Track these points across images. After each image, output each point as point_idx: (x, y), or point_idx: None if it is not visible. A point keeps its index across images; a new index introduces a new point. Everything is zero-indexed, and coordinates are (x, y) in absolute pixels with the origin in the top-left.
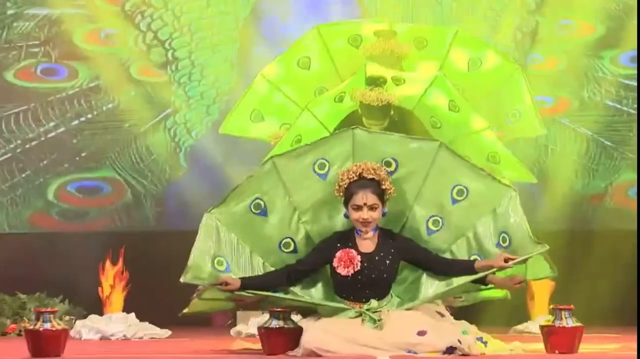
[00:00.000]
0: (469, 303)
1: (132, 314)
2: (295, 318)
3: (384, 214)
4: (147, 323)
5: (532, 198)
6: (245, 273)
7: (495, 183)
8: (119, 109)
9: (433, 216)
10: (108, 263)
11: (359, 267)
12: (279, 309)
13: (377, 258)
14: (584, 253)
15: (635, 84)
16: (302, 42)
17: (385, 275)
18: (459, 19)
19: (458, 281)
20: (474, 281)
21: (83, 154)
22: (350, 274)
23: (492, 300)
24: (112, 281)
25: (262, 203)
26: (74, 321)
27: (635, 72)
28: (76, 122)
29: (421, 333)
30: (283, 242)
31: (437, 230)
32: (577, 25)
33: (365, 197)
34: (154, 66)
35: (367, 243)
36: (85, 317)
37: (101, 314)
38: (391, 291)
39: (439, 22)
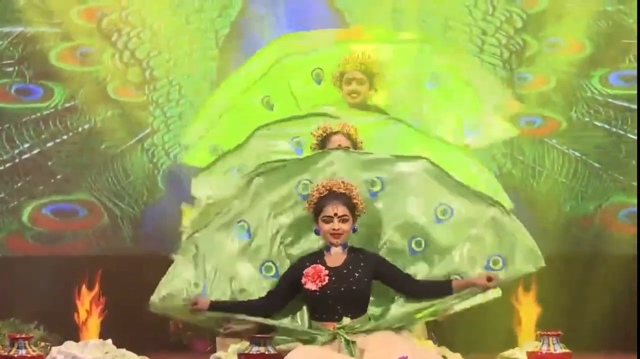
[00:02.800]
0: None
1: (109, 341)
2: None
3: (354, 230)
4: (124, 350)
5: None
6: (221, 297)
7: (483, 202)
8: (96, 129)
9: (416, 236)
10: (84, 288)
11: (326, 281)
12: (259, 336)
13: (345, 271)
14: (572, 278)
15: (625, 104)
16: (265, 78)
17: (354, 287)
18: (443, 36)
19: (433, 303)
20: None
21: (58, 176)
22: (318, 289)
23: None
24: (88, 306)
25: (245, 225)
26: (49, 347)
27: (625, 92)
28: (51, 143)
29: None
30: (265, 266)
31: (421, 251)
32: (566, 44)
33: (335, 208)
34: (131, 86)
35: (336, 258)
36: (60, 343)
37: (77, 340)
38: (367, 311)
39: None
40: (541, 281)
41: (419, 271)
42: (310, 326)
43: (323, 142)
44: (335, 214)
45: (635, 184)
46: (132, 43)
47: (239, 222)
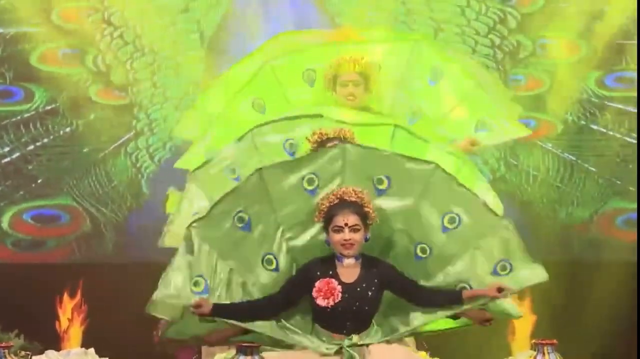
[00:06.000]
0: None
1: (92, 350)
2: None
3: (366, 240)
4: None
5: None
6: (222, 292)
7: (490, 212)
8: (78, 133)
9: (421, 242)
10: (66, 296)
11: (339, 299)
12: (246, 344)
13: (359, 289)
14: (568, 285)
15: (622, 106)
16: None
17: (367, 307)
18: (436, 37)
19: (443, 313)
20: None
21: (39, 181)
22: (330, 306)
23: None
24: (70, 314)
25: (245, 217)
26: (30, 356)
27: (622, 94)
28: (32, 147)
29: None
30: (265, 258)
31: (425, 257)
32: (561, 45)
33: (346, 218)
34: (114, 88)
35: (349, 272)
36: (41, 352)
37: (58, 349)
38: (373, 321)
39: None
40: (536, 289)
41: (423, 277)
42: (312, 330)
43: (319, 148)
44: (346, 224)
45: (632, 189)
46: (115, 44)
47: (239, 213)
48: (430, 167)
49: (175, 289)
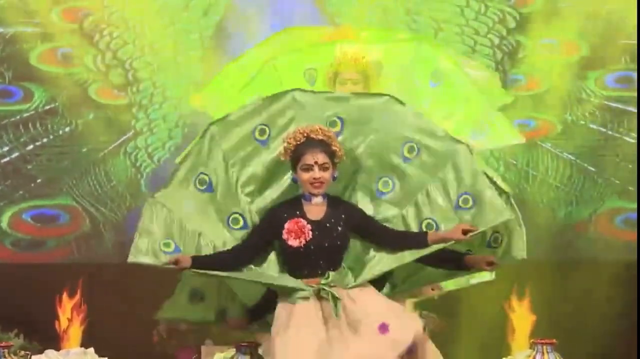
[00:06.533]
0: (454, 287)
1: (91, 349)
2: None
3: (334, 178)
4: None
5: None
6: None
7: (450, 138)
8: (77, 132)
9: (382, 176)
10: (65, 295)
11: (310, 236)
12: (245, 344)
13: (327, 225)
14: (567, 285)
15: (621, 106)
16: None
17: (338, 242)
18: (435, 36)
19: (412, 255)
20: (445, 266)
21: (39, 181)
22: (302, 245)
23: (478, 283)
24: (69, 314)
25: (206, 178)
26: (29, 356)
27: (621, 93)
28: (31, 146)
29: (383, 329)
30: (231, 218)
31: (388, 192)
32: (560, 45)
33: (315, 156)
34: (113, 88)
35: (316, 210)
36: (41, 352)
37: (58, 349)
38: (343, 264)
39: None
40: (535, 288)
41: (386, 214)
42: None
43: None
44: (316, 162)
45: (631, 188)
46: (115, 44)
47: (199, 175)
48: (382, 100)
49: (146, 251)
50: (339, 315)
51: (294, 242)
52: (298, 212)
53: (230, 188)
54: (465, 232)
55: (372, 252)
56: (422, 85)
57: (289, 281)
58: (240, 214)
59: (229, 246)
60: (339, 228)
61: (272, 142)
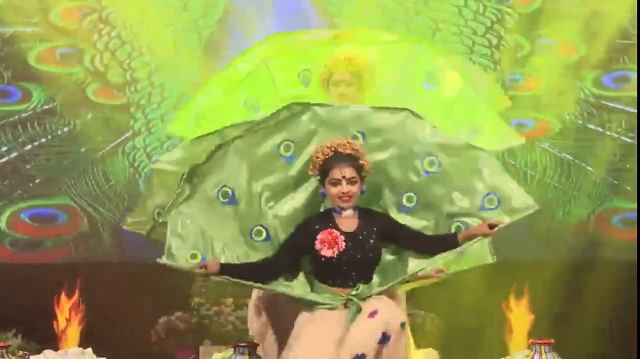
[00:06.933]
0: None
1: (89, 350)
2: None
3: (362, 192)
4: None
5: (510, 225)
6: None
7: (469, 148)
8: (75, 132)
9: (406, 192)
10: (63, 296)
11: (344, 247)
12: (243, 344)
13: (360, 237)
14: (565, 285)
15: (619, 106)
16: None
17: (371, 254)
18: (433, 36)
19: (442, 257)
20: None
21: (37, 181)
22: (335, 256)
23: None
24: (67, 314)
25: (229, 191)
26: (27, 356)
27: (619, 94)
28: (30, 146)
29: (372, 314)
30: (254, 230)
31: (412, 206)
32: (558, 45)
33: (343, 170)
34: (112, 88)
35: (348, 222)
36: (39, 352)
37: (56, 349)
38: (374, 275)
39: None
40: (533, 288)
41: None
42: (314, 290)
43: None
44: (344, 177)
45: (629, 188)
46: (113, 44)
47: (222, 187)
48: (402, 115)
49: (178, 256)
50: (353, 322)
51: (327, 253)
52: (330, 224)
53: (254, 201)
54: (491, 226)
55: (403, 258)
56: (417, 86)
57: (319, 298)
58: (264, 227)
59: (251, 258)
60: (372, 240)
61: (297, 158)
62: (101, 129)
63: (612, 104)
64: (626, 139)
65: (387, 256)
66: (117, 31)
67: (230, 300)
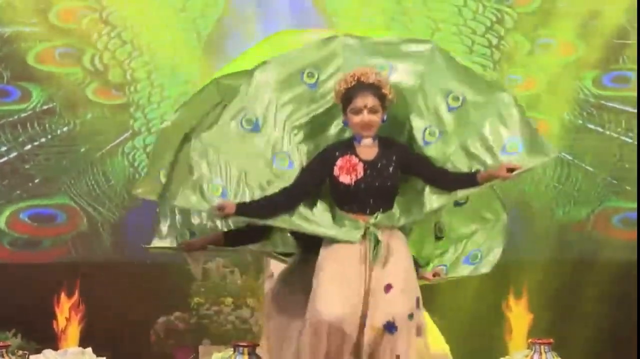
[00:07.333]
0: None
1: (89, 349)
2: (260, 351)
3: (384, 121)
4: (104, 358)
5: (510, 226)
6: (240, 195)
7: (492, 87)
8: (75, 132)
9: (429, 126)
10: (63, 295)
11: (362, 174)
12: (243, 344)
13: (379, 165)
14: (564, 284)
15: (619, 106)
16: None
17: (389, 183)
18: (432, 36)
19: (462, 193)
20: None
21: (36, 180)
22: (353, 182)
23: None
24: (67, 313)
25: (253, 118)
26: (27, 355)
27: (619, 93)
28: (29, 146)
29: (387, 288)
30: (277, 157)
31: (434, 141)
32: (558, 45)
33: (365, 99)
34: (111, 87)
35: (368, 151)
36: (39, 351)
37: (56, 348)
38: (395, 205)
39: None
40: (533, 288)
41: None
42: (335, 217)
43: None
44: (365, 106)
45: (629, 188)
46: (113, 44)
47: (245, 115)
48: (428, 47)
49: (194, 198)
50: (377, 259)
51: (345, 179)
52: (350, 152)
53: (278, 128)
54: (510, 170)
55: (425, 192)
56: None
57: (336, 233)
58: (287, 154)
59: (274, 185)
60: (390, 169)
61: (321, 86)
62: (101, 129)
63: (611, 104)
64: (625, 139)
65: (408, 193)
66: (117, 31)
67: (229, 300)
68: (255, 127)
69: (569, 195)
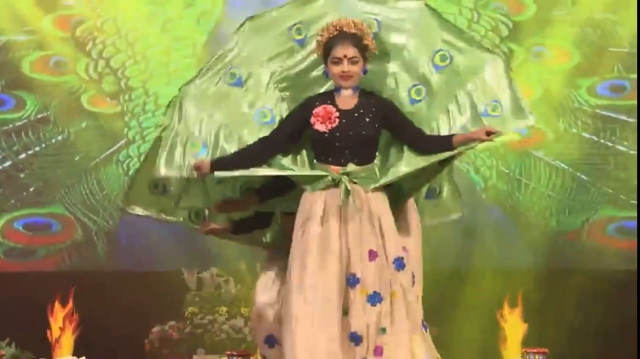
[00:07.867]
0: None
1: (83, 358)
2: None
3: (365, 72)
4: None
5: (504, 234)
6: (220, 148)
7: (480, 48)
8: (69, 141)
9: (416, 84)
10: (57, 304)
11: (336, 123)
12: (236, 353)
13: (356, 115)
14: (559, 293)
15: (614, 115)
16: None
17: (364, 132)
18: None
19: (437, 157)
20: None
21: (31, 189)
22: (328, 130)
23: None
24: (61, 323)
25: (236, 72)
26: None
27: (614, 102)
28: (24, 155)
29: (372, 256)
30: (260, 112)
31: (420, 100)
32: (553, 53)
33: (345, 49)
34: (106, 96)
35: (347, 100)
36: None
37: (50, 358)
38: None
39: None
40: (527, 297)
41: (419, 122)
42: (312, 168)
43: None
44: (345, 56)
45: (624, 197)
46: (107, 52)
47: (229, 69)
48: (417, 4)
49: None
50: (347, 204)
51: (320, 127)
52: (329, 101)
53: (262, 83)
54: (488, 133)
55: (398, 154)
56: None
57: (309, 171)
58: (270, 110)
59: (254, 138)
60: (367, 119)
61: (309, 43)
62: (95, 138)
63: (606, 113)
64: (620, 148)
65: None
66: (111, 39)
67: (224, 309)
68: (238, 82)
69: (563, 204)
